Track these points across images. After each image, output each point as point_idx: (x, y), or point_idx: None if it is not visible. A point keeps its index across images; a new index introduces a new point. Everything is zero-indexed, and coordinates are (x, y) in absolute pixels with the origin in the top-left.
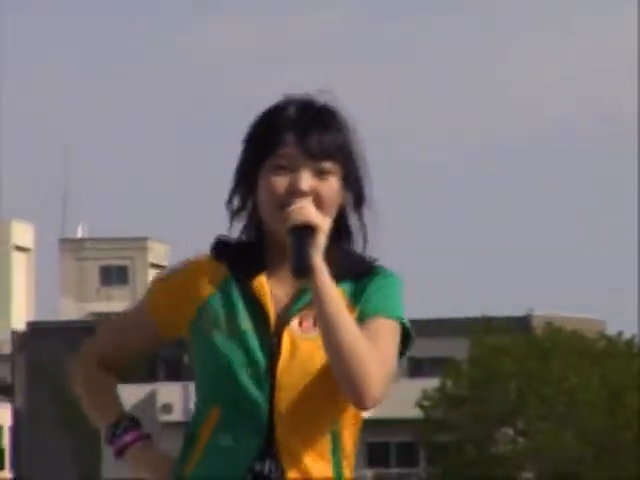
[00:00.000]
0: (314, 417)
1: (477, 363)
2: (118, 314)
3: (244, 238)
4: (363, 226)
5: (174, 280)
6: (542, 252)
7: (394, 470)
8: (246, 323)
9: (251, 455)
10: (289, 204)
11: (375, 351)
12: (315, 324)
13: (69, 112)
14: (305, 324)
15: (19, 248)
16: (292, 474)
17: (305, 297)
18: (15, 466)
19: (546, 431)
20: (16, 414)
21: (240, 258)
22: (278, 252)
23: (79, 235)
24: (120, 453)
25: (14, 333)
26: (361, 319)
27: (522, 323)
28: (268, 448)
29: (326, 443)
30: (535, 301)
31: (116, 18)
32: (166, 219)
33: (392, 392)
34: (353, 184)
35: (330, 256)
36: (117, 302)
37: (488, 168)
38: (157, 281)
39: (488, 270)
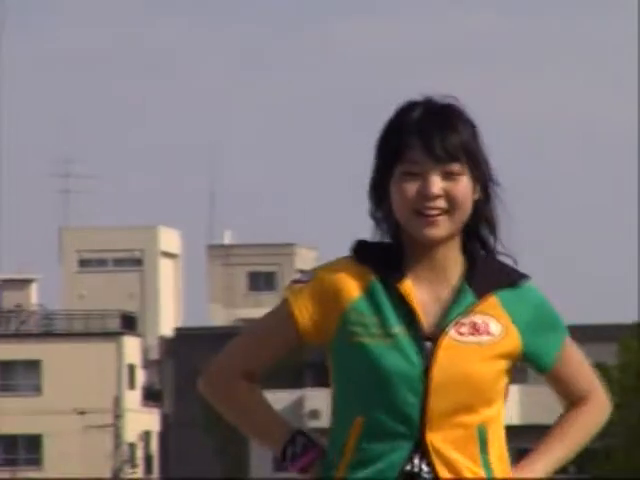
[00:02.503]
0: (464, 420)
1: (627, 369)
2: (249, 323)
3: (385, 240)
4: (494, 222)
5: (317, 285)
6: None
7: None
8: (398, 327)
9: (403, 458)
10: (422, 208)
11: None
12: (472, 331)
13: (214, 117)
14: (462, 329)
15: (166, 254)
16: (444, 473)
17: (459, 307)
18: (163, 471)
19: None
20: (164, 420)
21: (382, 261)
22: (418, 255)
23: (226, 241)
24: (303, 469)
25: (162, 339)
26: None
27: None
28: (417, 450)
29: (474, 444)
30: None
31: (266, 15)
32: (313, 224)
33: (539, 398)
34: (482, 182)
35: (486, 266)
36: (265, 308)
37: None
38: (297, 286)
39: (638, 275)
